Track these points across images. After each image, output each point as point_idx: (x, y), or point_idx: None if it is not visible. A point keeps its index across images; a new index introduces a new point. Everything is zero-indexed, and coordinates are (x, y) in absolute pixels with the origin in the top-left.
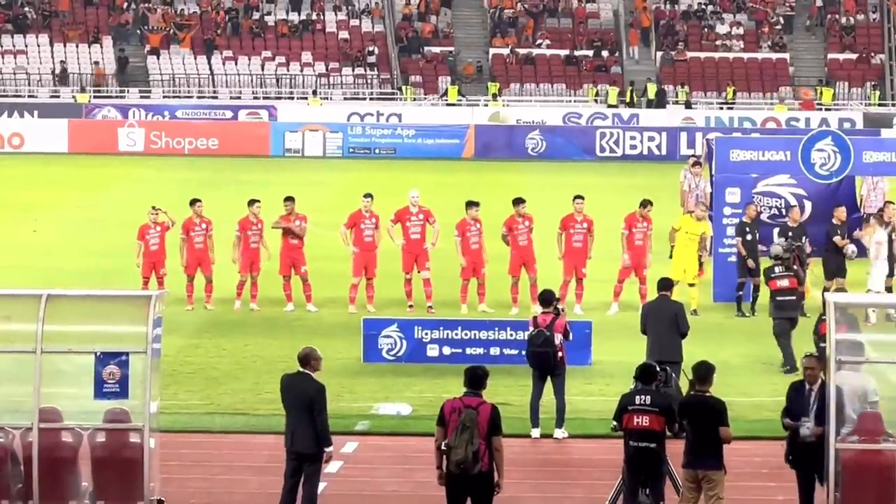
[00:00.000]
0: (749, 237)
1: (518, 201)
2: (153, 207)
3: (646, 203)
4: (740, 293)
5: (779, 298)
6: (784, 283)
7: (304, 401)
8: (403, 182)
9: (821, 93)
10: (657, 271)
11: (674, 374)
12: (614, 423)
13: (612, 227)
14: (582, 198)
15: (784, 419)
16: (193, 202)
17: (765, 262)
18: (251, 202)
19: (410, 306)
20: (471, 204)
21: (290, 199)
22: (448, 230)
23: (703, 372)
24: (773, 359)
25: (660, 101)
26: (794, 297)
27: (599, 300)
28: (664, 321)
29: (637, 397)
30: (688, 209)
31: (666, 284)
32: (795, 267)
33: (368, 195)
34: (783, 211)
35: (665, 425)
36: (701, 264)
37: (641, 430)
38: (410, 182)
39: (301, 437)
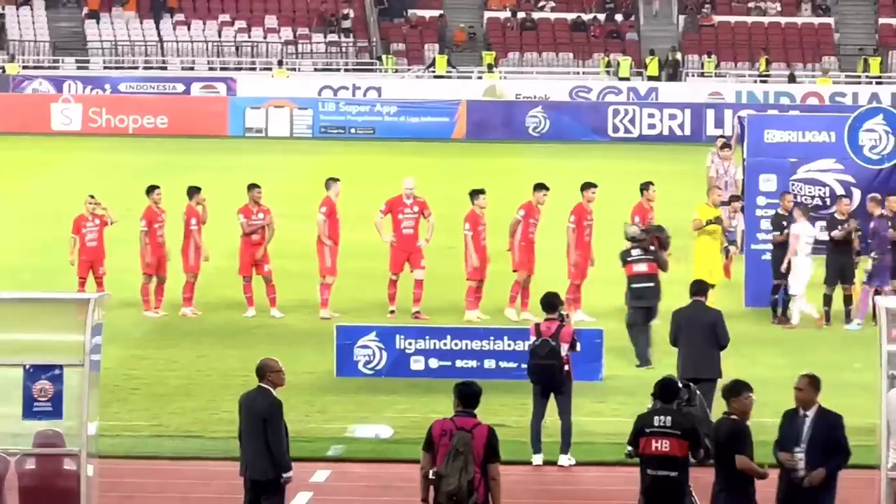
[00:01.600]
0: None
1: (540, 187)
2: (91, 196)
3: (647, 185)
4: (776, 297)
5: (634, 286)
6: (642, 267)
7: (258, 419)
8: (383, 167)
9: (865, 63)
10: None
11: (698, 392)
12: (629, 448)
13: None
14: (595, 186)
15: (776, 451)
16: (152, 189)
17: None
18: (194, 190)
19: (392, 311)
20: (477, 192)
21: (255, 186)
22: (448, 223)
23: (725, 391)
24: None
25: (674, 73)
26: (652, 284)
27: (612, 304)
28: (700, 331)
29: (656, 418)
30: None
31: (700, 288)
32: (653, 249)
33: (336, 179)
34: (827, 201)
35: (688, 451)
36: (728, 260)
37: (661, 456)
38: (391, 167)
39: (256, 463)
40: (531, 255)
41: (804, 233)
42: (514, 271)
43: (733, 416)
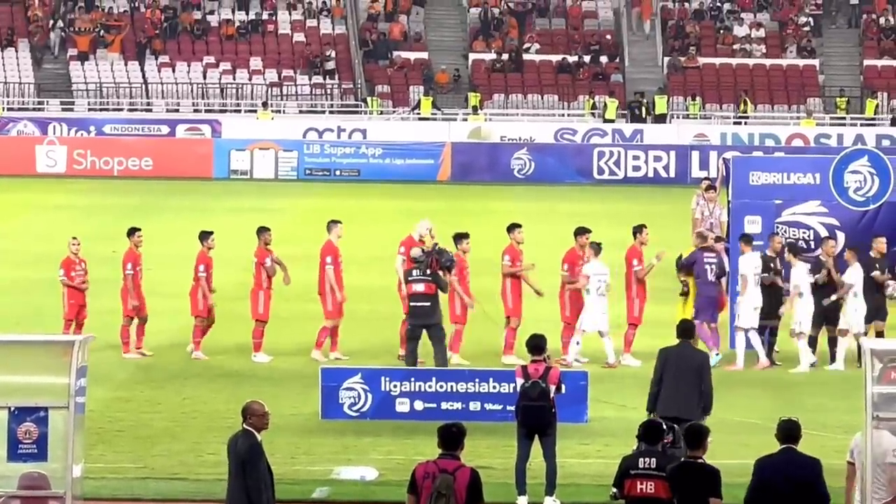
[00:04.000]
0: (772, 274)
1: (514, 227)
2: (73, 238)
3: (640, 228)
4: (762, 338)
5: (413, 304)
6: (420, 287)
7: (238, 461)
8: (368, 209)
9: (847, 102)
10: (663, 311)
11: (682, 434)
12: (614, 489)
13: (612, 262)
14: (589, 231)
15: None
16: (133, 231)
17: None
18: (205, 234)
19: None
20: (461, 236)
21: (266, 229)
22: None
23: (695, 435)
24: (796, 412)
25: (638, 114)
26: (428, 304)
27: (596, 347)
28: (686, 372)
29: (640, 460)
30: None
31: (687, 328)
32: (429, 272)
33: (338, 221)
34: (812, 244)
35: (673, 493)
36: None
37: (645, 497)
38: (376, 209)
39: None
40: (521, 298)
41: (594, 272)
42: (508, 318)
43: (700, 460)
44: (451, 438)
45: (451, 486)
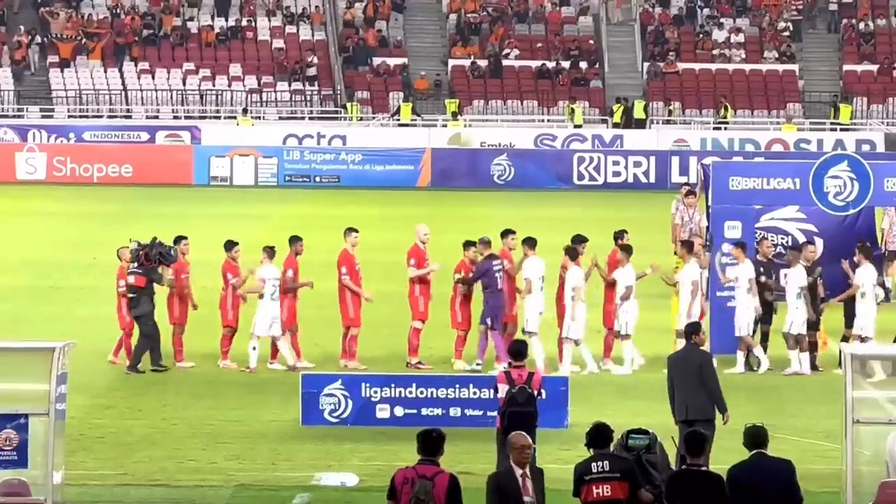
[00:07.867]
0: (764, 279)
1: (508, 232)
2: (126, 248)
3: (622, 233)
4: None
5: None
6: (131, 279)
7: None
8: (348, 215)
9: (835, 110)
10: (658, 318)
11: (660, 440)
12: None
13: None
14: (587, 240)
15: None
16: (179, 240)
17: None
18: (231, 244)
19: (420, 363)
20: (470, 244)
21: (298, 238)
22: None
23: (696, 442)
24: (776, 417)
25: (629, 120)
26: (135, 295)
27: (578, 353)
28: (689, 374)
29: (593, 465)
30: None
31: (692, 330)
32: (137, 264)
33: (355, 230)
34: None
35: (630, 492)
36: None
37: (603, 500)
38: (356, 215)
39: None
40: (513, 304)
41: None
42: (504, 324)
43: (704, 467)
44: (431, 444)
45: (429, 491)
